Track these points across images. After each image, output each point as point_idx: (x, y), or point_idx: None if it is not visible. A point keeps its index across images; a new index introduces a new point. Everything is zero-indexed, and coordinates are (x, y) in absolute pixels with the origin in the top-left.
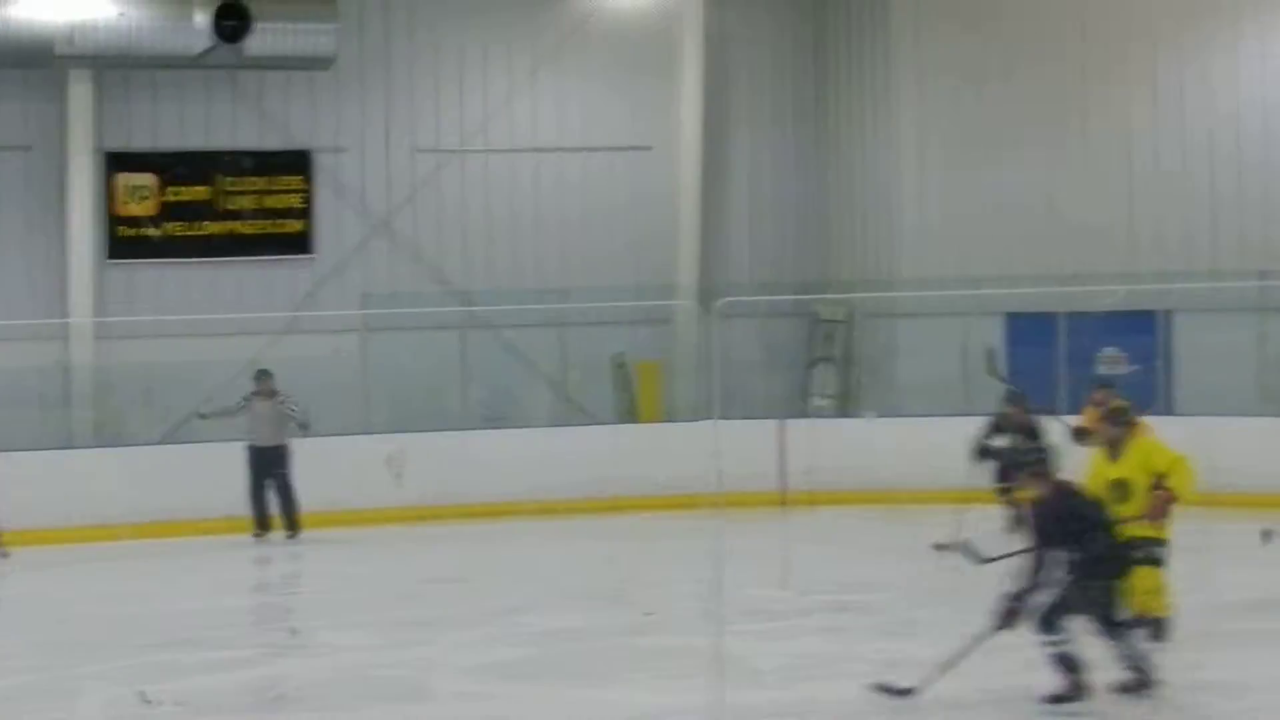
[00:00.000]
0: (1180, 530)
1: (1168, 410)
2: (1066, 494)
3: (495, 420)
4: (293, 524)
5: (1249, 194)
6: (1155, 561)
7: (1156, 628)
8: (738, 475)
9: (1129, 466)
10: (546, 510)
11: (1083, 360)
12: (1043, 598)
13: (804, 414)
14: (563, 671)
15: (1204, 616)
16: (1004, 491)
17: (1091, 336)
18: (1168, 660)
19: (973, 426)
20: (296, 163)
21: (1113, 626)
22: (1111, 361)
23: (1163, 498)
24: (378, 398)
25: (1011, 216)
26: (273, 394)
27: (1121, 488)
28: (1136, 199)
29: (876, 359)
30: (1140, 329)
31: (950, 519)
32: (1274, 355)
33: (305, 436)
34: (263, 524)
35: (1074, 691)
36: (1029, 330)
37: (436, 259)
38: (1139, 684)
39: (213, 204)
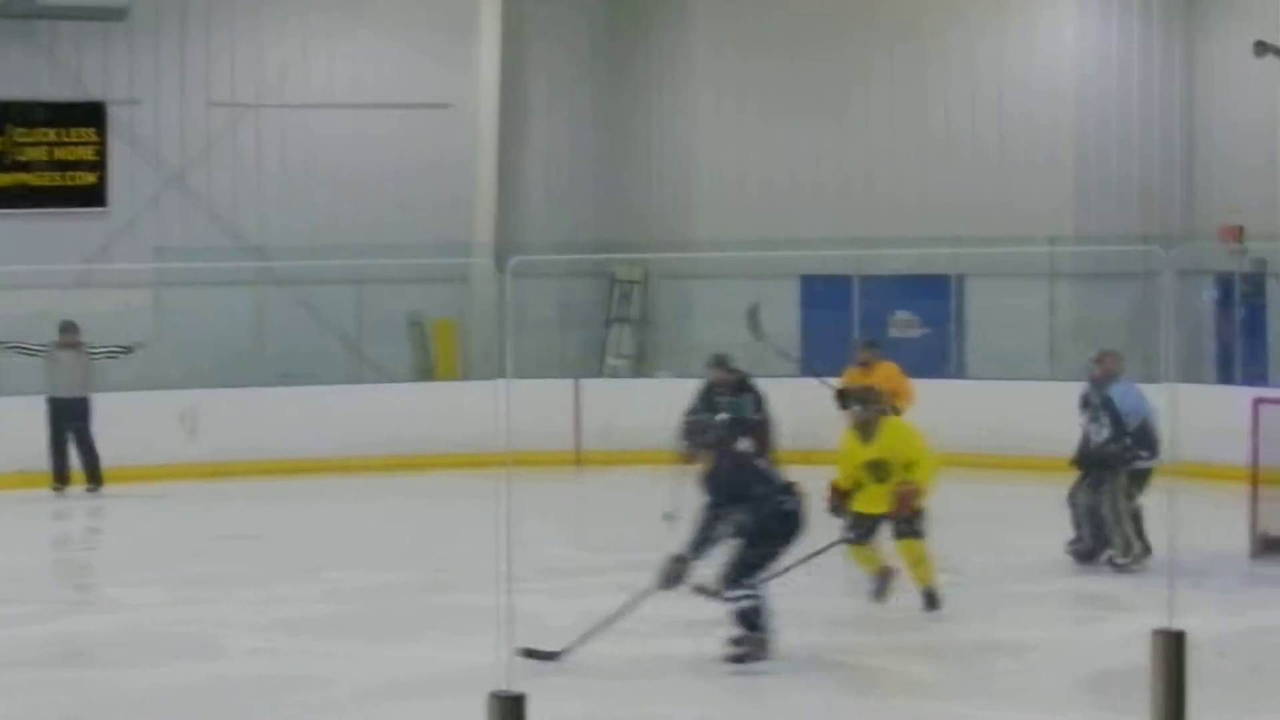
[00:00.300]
0: (972, 494)
1: (959, 374)
2: (739, 462)
3: (291, 377)
4: (94, 477)
5: (1039, 160)
6: (916, 534)
7: (927, 597)
8: (534, 434)
9: (882, 447)
10: (342, 468)
11: (876, 323)
12: (723, 559)
13: (600, 374)
14: (356, 629)
15: (991, 579)
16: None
17: (884, 300)
18: (958, 622)
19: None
20: (89, 114)
21: (735, 586)
22: (904, 325)
23: (908, 491)
24: (171, 354)
25: (805, 180)
26: (77, 345)
27: (879, 468)
28: (929, 164)
29: (672, 320)
30: (933, 293)
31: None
32: (1063, 320)
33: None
34: (62, 477)
35: (757, 651)
36: (823, 293)
37: (232, 214)
38: (743, 650)
39: (3, 155)
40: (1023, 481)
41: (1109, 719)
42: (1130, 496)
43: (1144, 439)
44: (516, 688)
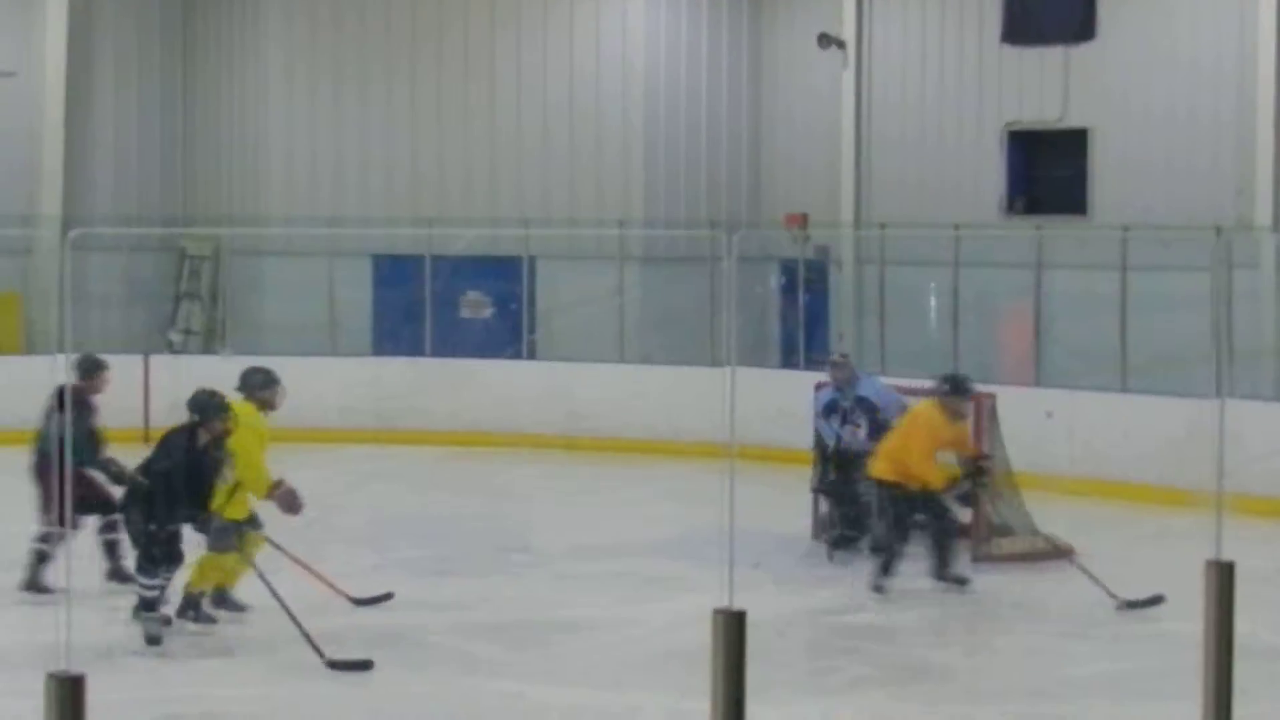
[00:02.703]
0: (540, 474)
1: (530, 355)
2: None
3: None
4: None
5: (609, 146)
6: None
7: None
8: (101, 411)
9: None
10: None
11: (448, 303)
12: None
13: (167, 351)
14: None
15: (559, 559)
16: None
17: (456, 280)
18: (525, 601)
19: (337, 367)
20: None
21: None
22: (474, 305)
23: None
24: None
25: (377, 159)
26: None
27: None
28: (500, 147)
29: (242, 296)
30: (504, 274)
31: None
32: (630, 301)
33: None
34: None
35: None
36: (394, 272)
37: None
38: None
39: None
40: (589, 462)
41: (669, 696)
42: None
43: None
44: (77, 668)
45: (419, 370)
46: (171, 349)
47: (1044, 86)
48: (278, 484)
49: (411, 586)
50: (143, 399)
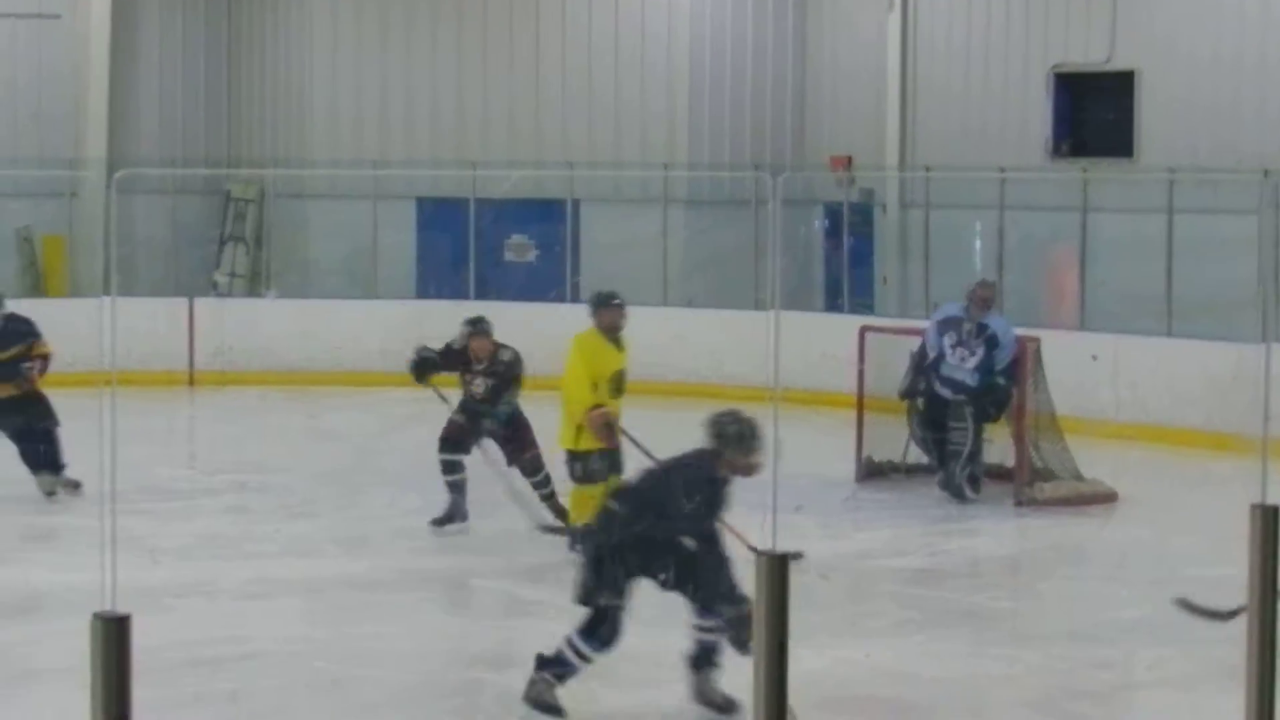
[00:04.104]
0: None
1: (573, 298)
2: None
3: None
4: None
5: (654, 90)
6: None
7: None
8: (145, 354)
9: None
10: None
11: (491, 246)
12: None
13: (212, 293)
14: None
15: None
16: None
17: (500, 223)
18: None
19: (381, 310)
20: None
21: None
22: (518, 248)
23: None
24: None
25: (422, 102)
26: None
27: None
28: (544, 90)
29: (287, 239)
30: (548, 217)
31: None
32: (674, 245)
33: None
34: None
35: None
36: (438, 215)
37: None
38: None
39: None
40: (631, 405)
41: None
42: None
43: (1015, 376)
44: (122, 609)
45: (462, 313)
46: (216, 291)
47: (1090, 28)
48: (595, 407)
49: (454, 529)
50: (188, 342)
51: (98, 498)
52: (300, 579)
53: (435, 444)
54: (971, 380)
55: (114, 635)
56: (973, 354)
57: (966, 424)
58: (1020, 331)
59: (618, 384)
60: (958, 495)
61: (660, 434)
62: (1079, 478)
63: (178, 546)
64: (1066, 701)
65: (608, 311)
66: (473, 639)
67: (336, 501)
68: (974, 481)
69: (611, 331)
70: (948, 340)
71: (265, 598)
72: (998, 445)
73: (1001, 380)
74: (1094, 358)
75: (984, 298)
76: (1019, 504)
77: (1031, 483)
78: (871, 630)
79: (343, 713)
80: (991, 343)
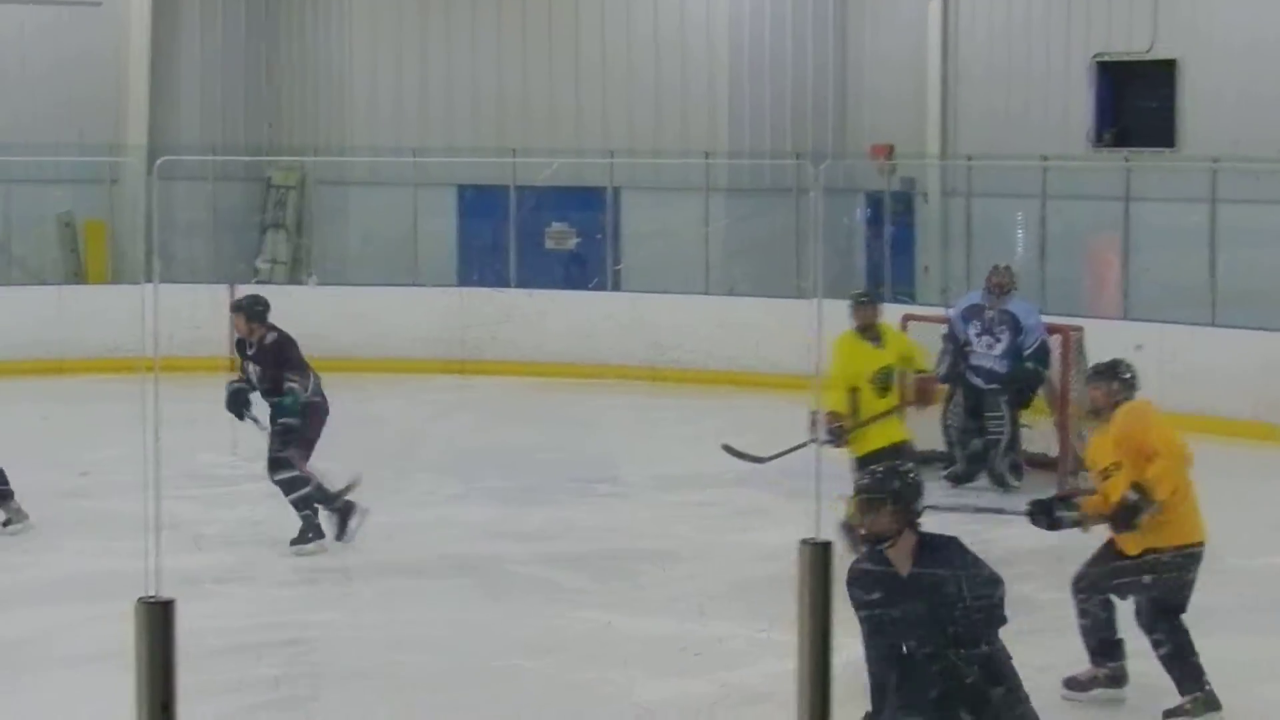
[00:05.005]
0: (627, 406)
1: (614, 286)
2: None
3: None
4: None
5: (694, 77)
6: None
7: None
8: (187, 340)
9: (892, 354)
10: None
11: (532, 233)
12: None
13: (253, 279)
14: None
15: (646, 489)
16: None
17: (541, 210)
18: (609, 531)
19: (421, 297)
20: None
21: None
22: (559, 236)
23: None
24: None
25: (462, 90)
26: None
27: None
28: (584, 78)
29: (327, 226)
30: (588, 205)
31: None
32: (715, 233)
33: None
34: None
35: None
36: (479, 202)
37: None
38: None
39: None
40: (672, 393)
41: (754, 627)
42: (1016, 418)
43: (1044, 359)
44: (165, 594)
45: (503, 301)
46: (257, 278)
47: (1132, 17)
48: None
49: (495, 516)
50: (228, 328)
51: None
52: (342, 565)
53: (477, 430)
54: (1001, 367)
55: (158, 620)
56: (998, 340)
57: (1002, 412)
58: (1063, 321)
59: (882, 381)
60: (1000, 483)
61: (697, 420)
62: None
63: (221, 532)
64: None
65: (856, 310)
66: (513, 626)
67: (379, 488)
68: (1016, 469)
69: (866, 329)
70: (973, 329)
71: (307, 584)
72: (1041, 434)
73: (1030, 364)
74: (1138, 347)
75: (1000, 284)
76: (1061, 493)
77: (1075, 472)
78: None
79: (383, 698)
80: (1016, 327)
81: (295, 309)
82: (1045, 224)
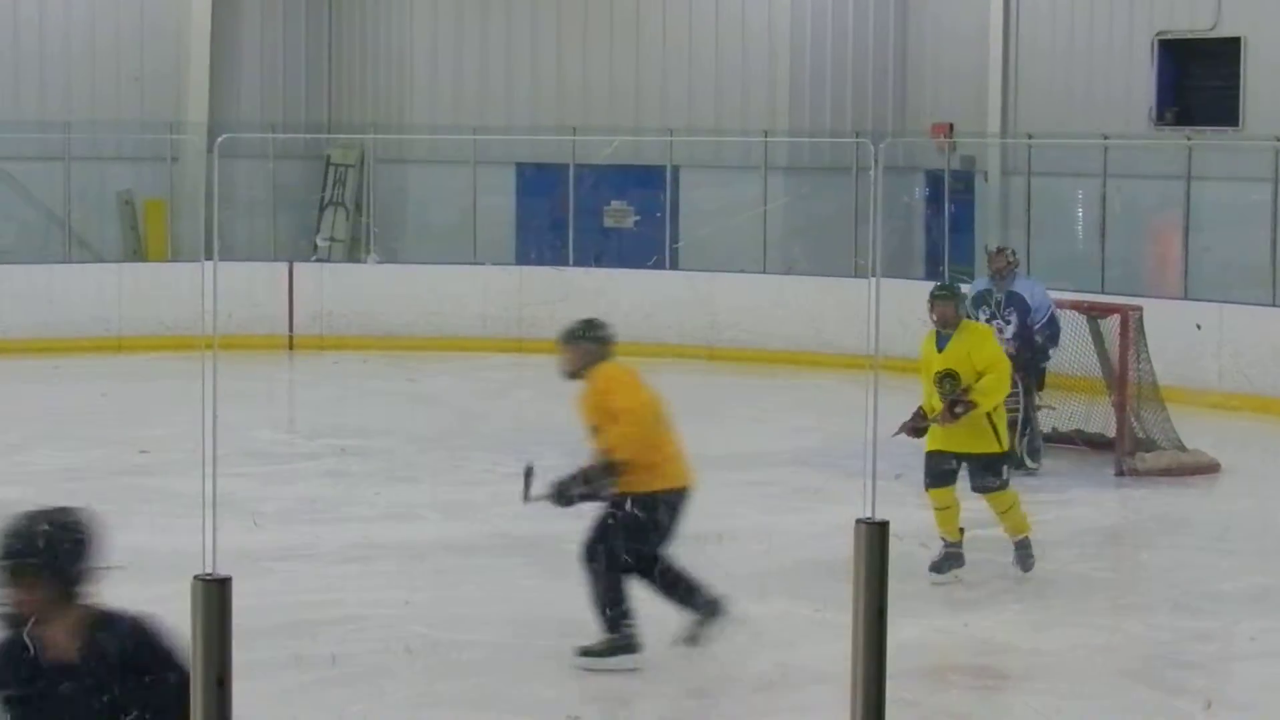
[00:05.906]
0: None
1: (673, 264)
2: None
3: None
4: None
5: (754, 56)
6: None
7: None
8: (246, 318)
9: (951, 359)
10: (46, 349)
11: (591, 211)
12: None
13: (313, 257)
14: None
15: (704, 467)
16: None
17: (600, 189)
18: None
19: (480, 275)
20: None
21: None
22: (618, 214)
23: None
24: None
25: (522, 69)
26: None
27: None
28: (644, 56)
29: (387, 204)
30: (647, 183)
31: None
32: (774, 211)
33: None
34: None
35: None
36: (538, 181)
37: None
38: None
39: None
40: (731, 372)
41: (811, 606)
42: (1032, 396)
43: (1054, 335)
44: (222, 571)
45: (561, 279)
46: (316, 256)
47: None
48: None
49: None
50: (287, 306)
51: (197, 460)
52: (399, 543)
53: (534, 408)
54: (1013, 350)
55: (215, 598)
56: (1008, 323)
57: (1017, 394)
58: (1122, 300)
59: (944, 387)
60: (1018, 466)
61: (755, 399)
62: (1181, 448)
63: (278, 510)
64: (1167, 671)
65: (930, 306)
66: (568, 605)
67: (436, 466)
68: (1034, 452)
69: (942, 327)
70: (983, 315)
71: (364, 561)
72: (1099, 414)
73: (1039, 339)
74: (1198, 327)
75: (999, 268)
76: (1120, 474)
77: (1133, 453)
78: (969, 600)
79: (439, 675)
80: (1023, 308)
81: (354, 286)
82: (1106, 203)
